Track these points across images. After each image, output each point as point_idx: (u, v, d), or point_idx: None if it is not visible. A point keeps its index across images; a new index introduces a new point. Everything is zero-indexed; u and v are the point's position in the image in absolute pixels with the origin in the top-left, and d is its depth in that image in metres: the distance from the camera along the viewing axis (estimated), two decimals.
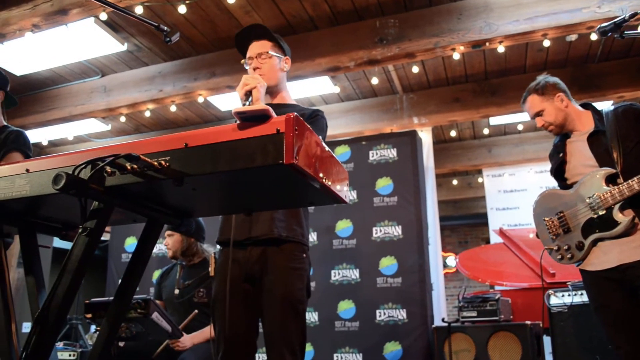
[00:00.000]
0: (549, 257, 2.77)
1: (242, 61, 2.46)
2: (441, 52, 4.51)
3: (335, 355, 4.72)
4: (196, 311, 3.13)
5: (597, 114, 2.70)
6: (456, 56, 4.65)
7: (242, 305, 2.15)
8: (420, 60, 4.92)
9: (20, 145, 2.86)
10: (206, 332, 3.12)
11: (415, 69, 5.43)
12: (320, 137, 2.26)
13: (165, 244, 3.38)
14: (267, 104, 2.40)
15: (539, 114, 2.73)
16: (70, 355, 4.39)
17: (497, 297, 4.17)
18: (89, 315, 2.69)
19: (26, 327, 5.84)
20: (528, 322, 3.96)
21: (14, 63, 5.25)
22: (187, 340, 3.02)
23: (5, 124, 2.97)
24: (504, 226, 6.51)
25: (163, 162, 1.13)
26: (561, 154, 2.72)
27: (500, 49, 4.46)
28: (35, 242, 1.54)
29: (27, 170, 1.29)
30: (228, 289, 2.05)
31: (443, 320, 4.35)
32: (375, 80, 5.68)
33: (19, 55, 5.05)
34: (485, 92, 5.77)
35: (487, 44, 4.35)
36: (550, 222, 2.69)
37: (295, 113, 1.11)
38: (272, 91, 2.43)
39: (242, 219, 2.17)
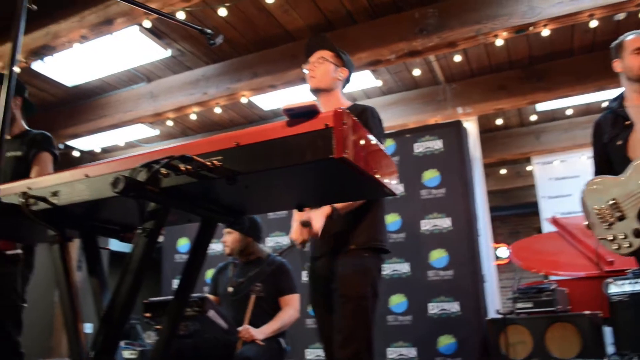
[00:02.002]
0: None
1: (303, 67, 2.65)
2: (483, 40, 4.42)
3: (388, 349, 4.71)
4: (253, 296, 3.18)
5: None
6: (499, 42, 4.54)
7: (325, 308, 2.42)
8: (462, 48, 4.83)
9: (48, 146, 3.00)
10: (273, 325, 3.17)
11: (458, 58, 5.34)
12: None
13: (224, 241, 3.46)
14: None
15: None
16: (130, 354, 4.54)
17: (553, 287, 4.06)
18: (148, 315, 2.77)
19: (86, 328, 6.07)
20: (587, 312, 3.85)
21: (64, 74, 5.46)
22: (257, 331, 3.08)
23: (27, 128, 3.08)
24: (557, 214, 6.33)
25: (216, 162, 1.15)
26: (628, 121, 2.58)
27: (545, 32, 4.33)
28: (97, 244, 1.60)
29: (87, 176, 1.34)
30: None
31: (498, 312, 4.27)
32: (417, 72, 5.62)
33: (69, 67, 5.25)
34: (531, 78, 5.62)
35: (531, 28, 4.23)
36: (602, 211, 2.57)
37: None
38: (324, 97, 2.56)
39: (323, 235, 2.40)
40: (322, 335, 2.47)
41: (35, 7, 1.62)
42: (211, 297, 3.44)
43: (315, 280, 2.51)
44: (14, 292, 2.70)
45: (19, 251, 2.71)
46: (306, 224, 2.25)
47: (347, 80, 2.68)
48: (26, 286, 2.82)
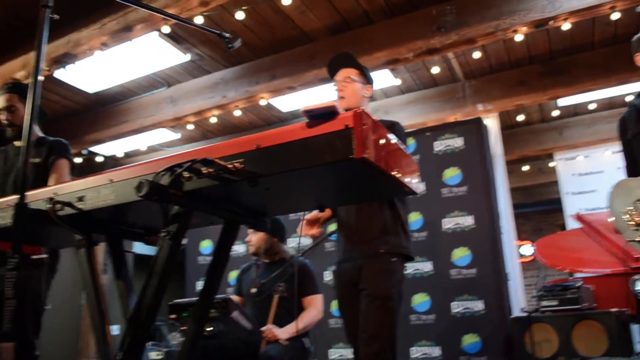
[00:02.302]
0: None
1: (332, 85, 2.76)
2: (502, 35, 4.36)
3: (411, 349, 4.69)
4: (276, 296, 3.20)
5: None
6: (518, 38, 4.49)
7: (353, 307, 2.50)
8: (481, 45, 4.79)
9: (66, 153, 3.08)
10: (297, 325, 3.18)
11: (477, 55, 5.29)
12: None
13: (248, 241, 3.48)
14: None
15: None
16: (156, 354, 4.59)
17: (578, 285, 4.00)
18: (174, 316, 2.81)
19: (113, 329, 6.15)
20: (613, 310, 3.78)
21: (86, 82, 5.55)
22: (280, 331, 3.09)
23: (41, 134, 3.14)
24: (581, 211, 6.24)
25: (237, 164, 1.16)
26: None
27: (565, 26, 4.27)
28: (122, 248, 1.62)
29: (111, 181, 1.37)
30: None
31: (522, 310, 4.22)
32: (435, 70, 5.59)
33: (90, 74, 5.33)
34: (551, 72, 5.53)
35: (551, 22, 4.16)
36: (628, 213, 2.54)
37: (362, 108, 1.12)
38: None
39: (347, 240, 2.61)
40: (350, 336, 2.53)
41: (57, 16, 1.65)
42: (236, 298, 3.46)
43: (343, 282, 2.59)
44: (37, 295, 2.76)
45: (44, 256, 2.76)
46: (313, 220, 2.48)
47: (371, 97, 2.78)
48: (48, 290, 2.88)
